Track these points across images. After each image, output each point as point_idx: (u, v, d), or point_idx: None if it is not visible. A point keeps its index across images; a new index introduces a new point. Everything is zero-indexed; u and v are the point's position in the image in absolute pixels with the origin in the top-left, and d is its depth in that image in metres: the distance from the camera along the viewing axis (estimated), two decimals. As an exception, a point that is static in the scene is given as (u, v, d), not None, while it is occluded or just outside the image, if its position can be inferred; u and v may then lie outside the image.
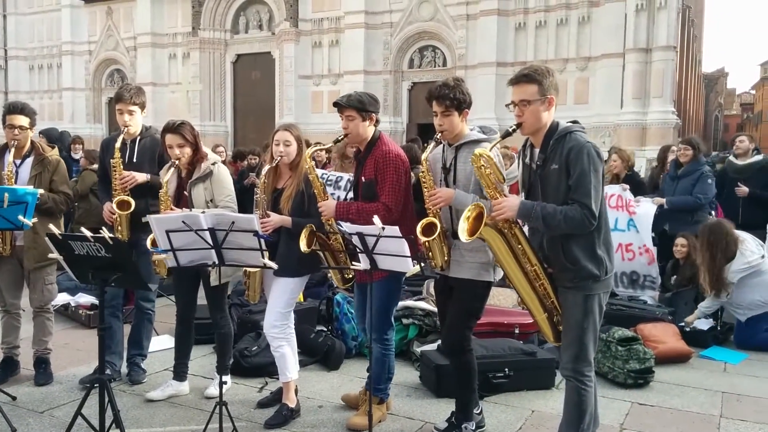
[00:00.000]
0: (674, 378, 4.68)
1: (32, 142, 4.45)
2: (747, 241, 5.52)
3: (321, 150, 4.26)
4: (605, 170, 7.10)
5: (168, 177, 3.95)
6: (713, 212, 6.83)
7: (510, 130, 3.08)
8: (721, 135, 64.02)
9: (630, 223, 6.47)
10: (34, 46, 32.18)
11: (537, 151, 3.09)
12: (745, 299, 5.43)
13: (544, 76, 3.01)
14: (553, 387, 4.39)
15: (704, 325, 5.54)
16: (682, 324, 5.51)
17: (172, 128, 3.98)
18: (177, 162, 3.95)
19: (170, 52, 29.17)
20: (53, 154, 4.52)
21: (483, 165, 3.02)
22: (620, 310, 5.61)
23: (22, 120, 4.32)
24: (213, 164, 4.04)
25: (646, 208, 6.49)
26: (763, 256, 5.47)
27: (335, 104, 3.72)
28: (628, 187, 6.63)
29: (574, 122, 3.10)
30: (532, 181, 3.14)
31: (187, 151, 3.97)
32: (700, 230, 5.71)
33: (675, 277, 6.27)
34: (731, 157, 7.28)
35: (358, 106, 3.62)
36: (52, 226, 3.55)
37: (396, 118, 24.30)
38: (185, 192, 4.02)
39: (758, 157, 7.04)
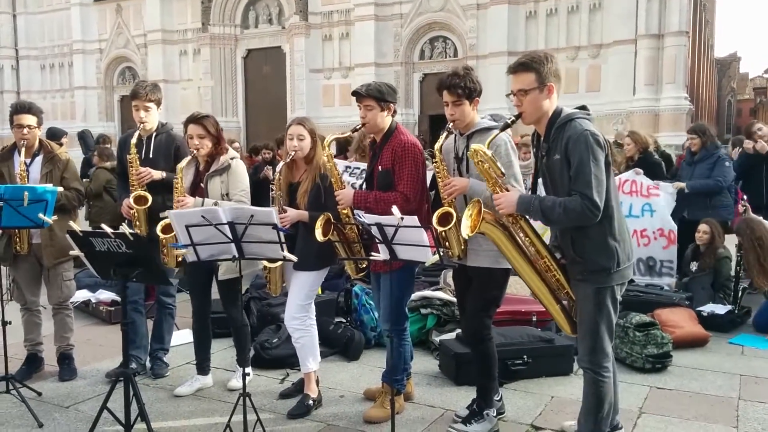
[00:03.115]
0: (692, 362, 4.69)
1: (40, 141, 4.50)
2: None
3: (340, 138, 4.28)
4: (623, 155, 7.09)
5: (184, 165, 4.00)
6: (734, 196, 6.76)
7: (509, 121, 3.07)
8: (734, 120, 63.32)
9: (645, 208, 6.44)
10: (44, 45, 32.40)
11: (542, 140, 3.05)
12: None
13: (542, 63, 2.94)
14: (572, 373, 4.41)
15: (721, 309, 5.53)
16: (700, 309, 5.50)
17: (195, 119, 4.04)
18: (195, 152, 3.99)
19: (181, 49, 29.27)
20: (62, 151, 4.57)
21: (480, 161, 3.00)
22: (637, 295, 5.61)
23: (30, 119, 4.37)
24: (231, 159, 4.08)
25: (665, 193, 6.45)
26: None
27: (354, 93, 3.72)
28: (641, 171, 6.59)
29: (582, 107, 3.03)
30: (541, 171, 3.11)
31: (207, 143, 4.02)
32: (740, 228, 5.63)
33: (695, 262, 6.19)
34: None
35: (377, 95, 3.63)
36: (72, 223, 3.61)
37: (408, 110, 24.26)
38: (201, 184, 4.07)
39: None
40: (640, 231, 6.42)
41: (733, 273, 6.18)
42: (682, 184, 6.47)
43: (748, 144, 6.97)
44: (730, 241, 6.32)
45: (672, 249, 6.38)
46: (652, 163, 6.93)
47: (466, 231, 2.96)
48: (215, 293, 4.26)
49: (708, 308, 5.55)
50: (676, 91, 20.91)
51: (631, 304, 5.24)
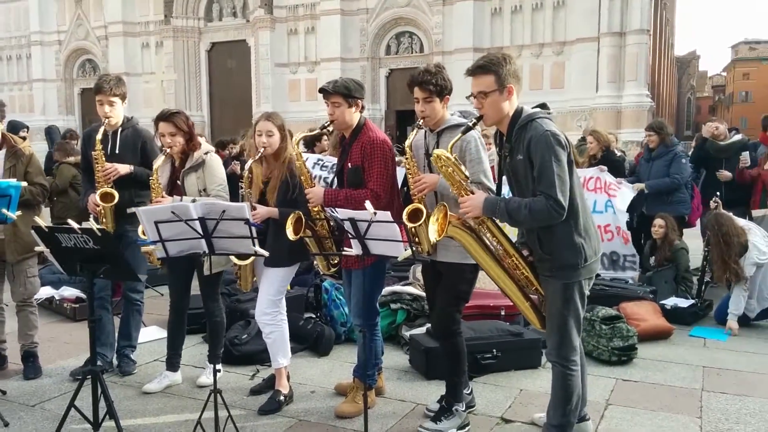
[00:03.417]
0: (657, 354, 4.80)
1: (3, 135, 4.37)
2: (752, 230, 5.55)
3: (308, 136, 4.25)
4: (585, 154, 7.24)
5: (159, 164, 3.94)
6: (690, 191, 6.95)
7: (470, 124, 3.08)
8: (694, 117, 64.98)
9: (608, 204, 6.61)
10: (1, 36, 31.45)
11: (505, 140, 3.07)
12: (755, 293, 5.45)
13: (500, 65, 2.95)
14: (540, 366, 4.47)
15: (684, 302, 5.68)
16: (663, 302, 5.64)
17: (166, 116, 3.97)
18: (168, 150, 3.93)
19: (143, 41, 28.75)
20: (25, 145, 4.46)
21: (443, 165, 3.02)
22: (603, 289, 5.73)
23: None
24: (206, 154, 4.02)
25: (625, 192, 6.61)
26: None
27: (321, 90, 3.68)
28: (605, 168, 6.75)
29: (542, 106, 3.05)
30: (505, 171, 3.13)
31: (179, 140, 3.96)
32: (709, 223, 5.72)
33: (653, 257, 6.39)
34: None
35: (345, 92, 3.60)
36: (37, 219, 3.52)
37: (374, 105, 24.27)
38: (178, 182, 4.01)
39: (737, 137, 7.23)
40: (603, 226, 6.56)
41: (691, 265, 6.36)
42: (642, 185, 6.65)
43: (706, 130, 7.18)
44: (690, 235, 6.52)
45: (630, 245, 6.59)
46: (613, 161, 7.11)
47: (433, 236, 2.98)
48: (193, 290, 4.20)
49: (671, 301, 5.69)
50: (637, 88, 21.39)
51: (597, 298, 5.35)
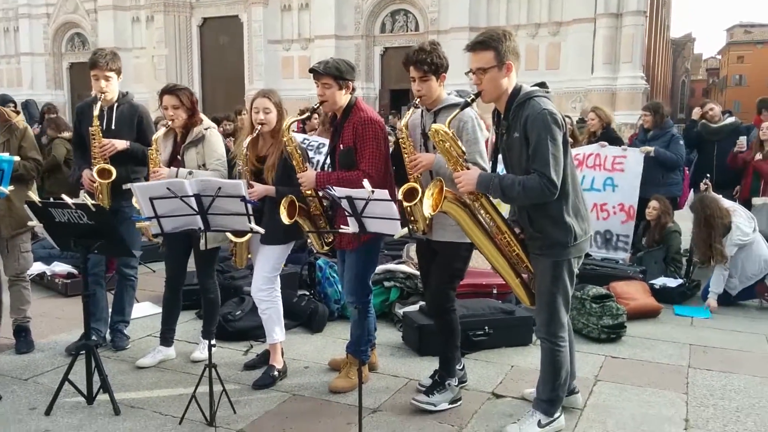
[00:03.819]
0: (645, 332, 4.88)
1: None
2: (737, 212, 5.61)
3: (298, 120, 4.23)
4: (585, 131, 7.22)
5: (160, 135, 3.96)
6: (681, 174, 6.99)
7: (468, 100, 3.09)
8: (688, 100, 64.97)
9: (606, 182, 6.58)
10: (-11, 9, 30.99)
11: (502, 118, 3.07)
12: (737, 272, 5.53)
13: (500, 41, 2.94)
14: (531, 343, 4.54)
15: (673, 282, 5.75)
16: (653, 282, 5.71)
17: (171, 89, 4.00)
18: (170, 123, 3.95)
19: (133, 15, 28.39)
20: (19, 120, 4.44)
21: (441, 140, 3.03)
22: (594, 269, 5.80)
23: None
24: (206, 129, 4.02)
25: (633, 161, 6.52)
26: (754, 230, 5.58)
27: (311, 71, 3.65)
28: (606, 144, 6.72)
29: (541, 85, 3.05)
30: (501, 148, 3.14)
31: (182, 114, 3.96)
32: (693, 205, 5.77)
33: (645, 238, 6.44)
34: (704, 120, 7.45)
35: (336, 73, 3.55)
36: (31, 193, 3.52)
37: (368, 84, 24.17)
38: (179, 156, 4.01)
39: (730, 120, 7.27)
40: (600, 204, 6.59)
41: (683, 247, 6.42)
42: (650, 148, 6.53)
43: (696, 112, 7.21)
44: (679, 217, 6.57)
45: (630, 224, 6.56)
46: (613, 138, 7.07)
47: (428, 210, 3.00)
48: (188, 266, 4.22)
49: (660, 281, 5.77)
50: (633, 70, 21.37)
51: (588, 277, 5.41)
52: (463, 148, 3.08)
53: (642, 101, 20.24)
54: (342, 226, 3.27)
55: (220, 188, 3.15)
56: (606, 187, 6.60)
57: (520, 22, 22.15)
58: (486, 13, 22.57)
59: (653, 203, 6.30)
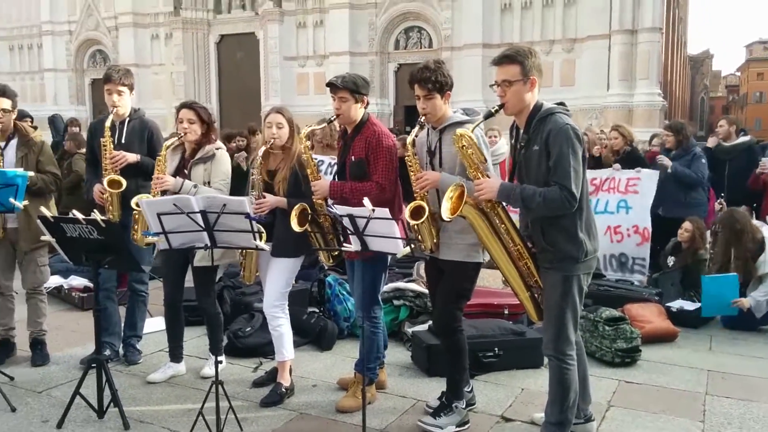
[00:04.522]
0: (661, 357, 4.77)
1: (15, 124, 4.42)
2: (765, 228, 5.48)
3: (317, 129, 4.29)
4: (607, 147, 7.13)
5: (170, 144, 4.02)
6: (707, 194, 6.87)
7: (492, 110, 3.12)
8: (707, 117, 64.44)
9: (620, 204, 6.45)
10: (13, 26, 31.60)
11: (522, 132, 3.12)
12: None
13: (526, 56, 3.03)
14: (542, 366, 4.45)
15: (690, 305, 5.62)
16: (669, 304, 5.60)
17: (189, 105, 4.08)
18: (183, 135, 3.99)
19: (152, 33, 28.79)
20: (37, 135, 4.51)
21: (464, 145, 3.07)
22: (608, 290, 5.69)
23: (5, 102, 4.30)
24: (217, 149, 4.09)
25: (647, 181, 6.39)
26: None
27: (329, 84, 3.72)
28: (619, 166, 6.60)
29: (560, 104, 3.11)
30: (518, 161, 3.17)
31: (196, 129, 4.02)
32: (722, 220, 5.62)
33: (672, 257, 6.17)
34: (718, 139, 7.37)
35: (352, 87, 3.64)
36: (43, 209, 3.55)
37: (383, 100, 24.25)
38: (185, 170, 4.05)
39: (744, 139, 7.17)
40: (614, 227, 6.46)
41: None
42: (669, 163, 6.40)
43: (711, 139, 7.15)
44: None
45: (645, 246, 6.38)
46: (636, 158, 6.96)
47: (446, 213, 3.01)
48: (189, 282, 4.23)
49: (677, 304, 5.63)
50: (649, 87, 21.25)
51: (602, 298, 5.32)
52: (486, 155, 3.13)
53: (660, 118, 20.12)
54: (345, 244, 3.28)
55: (225, 205, 3.16)
56: (620, 209, 6.44)
57: (534, 38, 22.14)
58: (500, 30, 22.61)
59: (687, 225, 6.02)
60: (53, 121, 11.49)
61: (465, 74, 21.27)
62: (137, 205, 3.77)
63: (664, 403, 3.96)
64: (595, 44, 21.50)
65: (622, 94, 21.13)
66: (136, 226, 4.01)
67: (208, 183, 4.00)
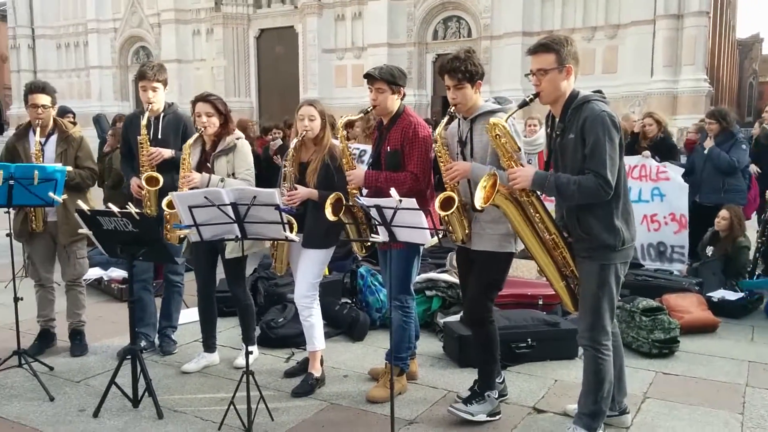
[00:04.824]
0: (700, 348, 4.66)
1: (55, 120, 4.54)
2: None
3: (354, 119, 4.31)
4: (640, 134, 6.99)
5: (191, 142, 4.04)
6: (747, 181, 6.63)
7: (527, 99, 3.09)
8: (756, 102, 62.20)
9: (654, 192, 6.35)
10: (60, 25, 32.50)
11: (558, 120, 3.09)
12: None
13: (562, 45, 3.00)
14: (577, 357, 4.38)
15: (732, 295, 5.47)
16: (710, 294, 5.45)
17: (204, 97, 4.08)
18: (202, 130, 4.02)
19: (194, 28, 29.23)
20: (76, 131, 4.62)
21: (498, 134, 3.04)
22: (646, 280, 5.58)
23: (44, 99, 4.41)
24: (237, 139, 4.11)
25: (674, 172, 6.34)
26: None
27: (366, 75, 3.74)
28: (649, 153, 6.49)
29: (598, 92, 3.07)
30: (553, 150, 3.14)
31: (215, 121, 4.04)
32: None
33: (711, 247, 6.02)
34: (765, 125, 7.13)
35: (390, 79, 3.66)
36: (80, 202, 3.65)
37: (420, 91, 24.12)
38: (208, 164, 4.10)
39: None
40: (650, 216, 6.34)
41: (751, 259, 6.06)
42: (711, 143, 6.25)
43: (755, 129, 6.90)
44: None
45: (683, 234, 6.26)
46: (670, 146, 6.82)
47: (479, 202, 2.99)
48: (221, 272, 4.29)
49: (718, 294, 5.48)
50: (695, 73, 20.58)
51: (639, 288, 5.22)
52: (519, 144, 3.10)
53: (705, 104, 19.49)
54: (373, 235, 3.29)
55: (255, 197, 3.19)
56: (654, 198, 6.35)
57: (576, 25, 21.66)
58: (540, 17, 22.18)
59: (723, 213, 5.87)
60: (98, 120, 11.77)
61: (504, 64, 21.00)
62: (168, 206, 3.82)
63: (702, 395, 3.86)
64: (639, 30, 20.91)
65: (667, 81, 20.53)
66: (168, 226, 4.06)
67: (232, 174, 4.04)
